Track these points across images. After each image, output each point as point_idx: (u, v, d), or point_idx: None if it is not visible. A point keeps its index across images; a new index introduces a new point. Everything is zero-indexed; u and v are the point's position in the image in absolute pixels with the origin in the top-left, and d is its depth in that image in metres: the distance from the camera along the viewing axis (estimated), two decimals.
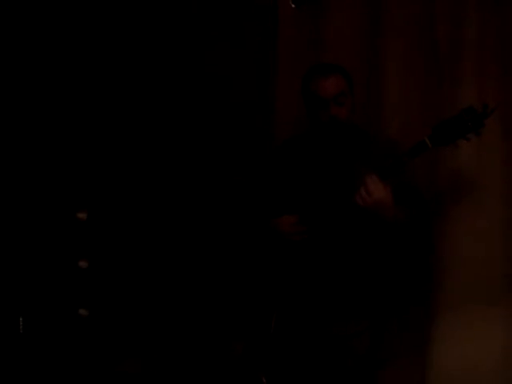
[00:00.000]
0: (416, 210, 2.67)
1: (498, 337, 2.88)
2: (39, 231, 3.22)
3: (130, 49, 3.37)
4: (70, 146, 3.29)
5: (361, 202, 2.50)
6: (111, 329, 3.23)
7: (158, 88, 3.38)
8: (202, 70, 3.35)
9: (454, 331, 2.90)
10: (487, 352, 2.87)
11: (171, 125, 3.38)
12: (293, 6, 3.18)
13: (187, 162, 3.36)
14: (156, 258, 3.33)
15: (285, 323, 2.68)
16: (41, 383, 3.07)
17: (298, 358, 2.70)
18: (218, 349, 3.14)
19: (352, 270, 2.69)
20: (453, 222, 2.92)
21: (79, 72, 3.32)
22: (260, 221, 2.82)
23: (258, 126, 3.29)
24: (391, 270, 2.77)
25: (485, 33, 2.92)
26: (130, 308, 3.28)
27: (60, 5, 3.29)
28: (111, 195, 3.32)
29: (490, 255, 2.90)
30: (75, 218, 3.20)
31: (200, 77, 3.36)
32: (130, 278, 3.30)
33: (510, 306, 2.89)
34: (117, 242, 3.30)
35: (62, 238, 3.21)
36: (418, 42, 3.02)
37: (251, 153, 3.27)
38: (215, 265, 3.29)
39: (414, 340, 2.97)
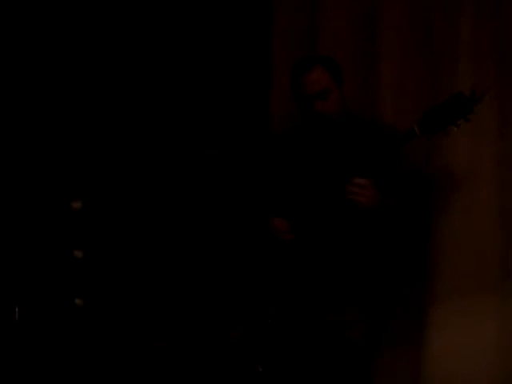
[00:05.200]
0: (411, 193, 2.66)
1: (494, 325, 2.88)
2: (34, 221, 3.22)
3: (123, 38, 3.35)
4: (65, 136, 3.29)
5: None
6: (106, 319, 3.24)
7: (152, 79, 3.37)
8: (195, 63, 3.35)
9: (450, 320, 2.90)
10: (483, 341, 2.88)
11: (166, 115, 3.37)
12: None
13: (182, 152, 3.35)
14: (151, 248, 3.33)
15: (281, 312, 2.69)
16: (36, 374, 3.10)
17: (294, 347, 2.70)
18: (214, 338, 3.16)
19: (347, 258, 2.69)
20: (449, 213, 2.91)
21: (72, 64, 3.31)
22: (256, 214, 2.83)
23: (253, 117, 3.29)
24: (387, 257, 2.77)
25: (481, 29, 2.90)
26: (126, 298, 3.29)
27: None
28: (106, 184, 3.32)
29: (485, 245, 2.90)
30: (70, 207, 3.21)
31: (193, 69, 3.35)
32: (125, 268, 3.31)
33: (505, 294, 2.89)
34: (112, 232, 3.30)
35: (57, 228, 3.22)
36: (414, 36, 3.01)
37: (247, 145, 3.27)
38: (211, 256, 3.29)
39: (410, 328, 2.97)
